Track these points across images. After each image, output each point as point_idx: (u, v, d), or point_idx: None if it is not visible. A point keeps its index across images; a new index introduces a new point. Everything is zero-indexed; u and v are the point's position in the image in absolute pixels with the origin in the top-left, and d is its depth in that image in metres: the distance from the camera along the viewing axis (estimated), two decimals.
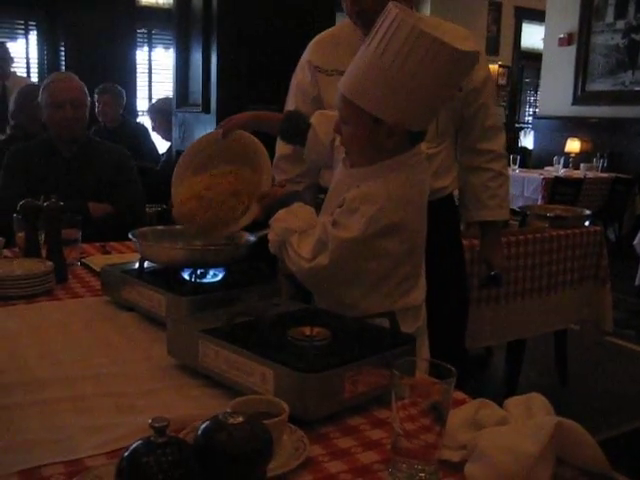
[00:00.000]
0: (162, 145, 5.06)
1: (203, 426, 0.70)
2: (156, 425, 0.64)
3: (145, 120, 6.95)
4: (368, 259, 1.43)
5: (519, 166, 6.82)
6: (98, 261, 2.05)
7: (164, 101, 4.82)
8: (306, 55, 2.08)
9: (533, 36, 10.07)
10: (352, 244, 1.39)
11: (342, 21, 2.08)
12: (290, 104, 2.11)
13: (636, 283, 4.84)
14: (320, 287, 1.50)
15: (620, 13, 6.71)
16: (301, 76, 2.07)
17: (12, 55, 5.50)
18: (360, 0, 1.83)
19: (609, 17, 6.84)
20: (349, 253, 1.41)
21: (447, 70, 1.37)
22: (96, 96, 4.82)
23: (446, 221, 2.06)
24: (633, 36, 6.53)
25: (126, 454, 0.66)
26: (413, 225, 1.48)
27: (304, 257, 1.43)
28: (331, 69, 1.99)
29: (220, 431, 0.67)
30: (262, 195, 1.61)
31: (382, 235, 1.41)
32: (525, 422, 1.02)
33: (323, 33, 2.10)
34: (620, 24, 6.73)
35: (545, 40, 8.29)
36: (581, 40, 7.43)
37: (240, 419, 0.69)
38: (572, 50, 7.61)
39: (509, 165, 6.53)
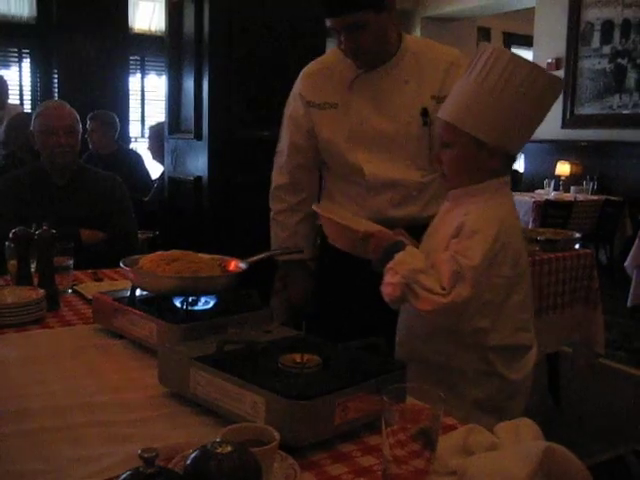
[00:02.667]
0: (155, 169, 5.09)
1: (192, 456, 0.70)
2: (145, 456, 0.65)
3: (138, 146, 6.99)
4: (489, 284, 1.50)
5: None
6: (90, 288, 2.06)
7: (163, 124, 4.86)
8: (297, 87, 2.05)
9: None
10: (482, 270, 1.46)
11: (332, 50, 2.05)
12: (284, 136, 2.11)
13: (628, 305, 4.86)
14: (459, 319, 1.52)
15: (606, 39, 6.81)
16: (295, 108, 2.05)
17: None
18: (357, 39, 1.81)
19: (595, 42, 6.94)
20: (482, 272, 1.46)
21: (542, 94, 1.52)
22: (88, 125, 4.84)
23: None
24: (619, 61, 6.63)
25: None
26: (521, 250, 1.58)
27: (439, 292, 1.45)
28: (323, 102, 1.98)
29: (209, 460, 0.68)
30: (369, 233, 1.60)
31: (501, 258, 1.50)
32: (514, 447, 1.03)
33: (313, 63, 2.07)
34: (606, 49, 6.83)
35: None
36: (569, 65, 7.52)
37: (229, 448, 0.69)
38: (560, 74, 7.68)
39: None
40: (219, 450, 0.69)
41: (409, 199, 1.95)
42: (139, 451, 0.67)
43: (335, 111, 1.96)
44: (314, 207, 1.77)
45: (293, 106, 2.07)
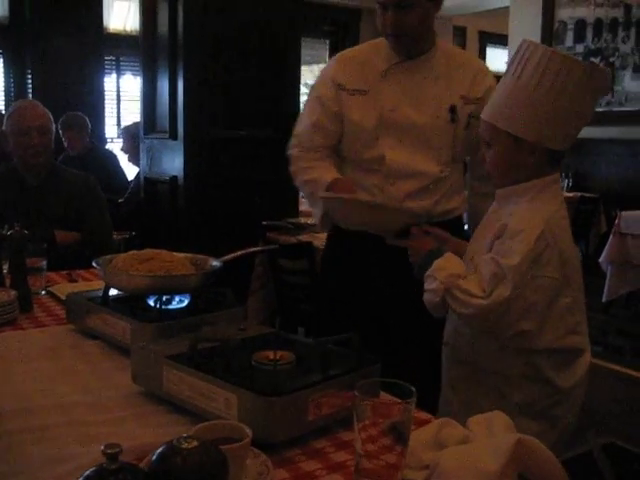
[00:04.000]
0: (130, 170, 5.06)
1: (158, 451, 0.70)
2: (108, 452, 0.64)
3: (114, 147, 6.93)
4: (533, 285, 1.47)
5: None
6: (64, 289, 2.03)
7: (137, 125, 4.83)
8: (330, 71, 2.07)
9: (497, 59, 10.27)
10: (523, 270, 1.44)
11: (367, 43, 2.14)
12: (306, 118, 2.09)
13: (603, 300, 4.92)
14: (500, 322, 1.49)
15: (579, 37, 6.87)
16: (323, 90, 2.05)
17: None
18: (402, 18, 1.86)
19: (569, 41, 6.99)
20: (523, 271, 1.44)
21: (579, 86, 1.47)
22: (60, 130, 4.79)
23: None
24: (592, 59, 6.69)
25: None
26: (569, 252, 1.53)
27: (479, 295, 1.45)
28: (353, 89, 2.01)
29: (174, 456, 0.68)
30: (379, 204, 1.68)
31: (546, 259, 1.47)
32: (486, 440, 1.04)
33: (347, 51, 2.14)
34: (579, 47, 6.88)
35: None
36: None
37: (195, 444, 0.69)
38: None
39: None
40: (184, 446, 0.68)
41: (425, 192, 1.98)
42: (102, 447, 0.66)
43: (364, 97, 1.99)
44: (321, 194, 1.77)
45: (322, 89, 2.07)
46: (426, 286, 1.55)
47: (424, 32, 1.95)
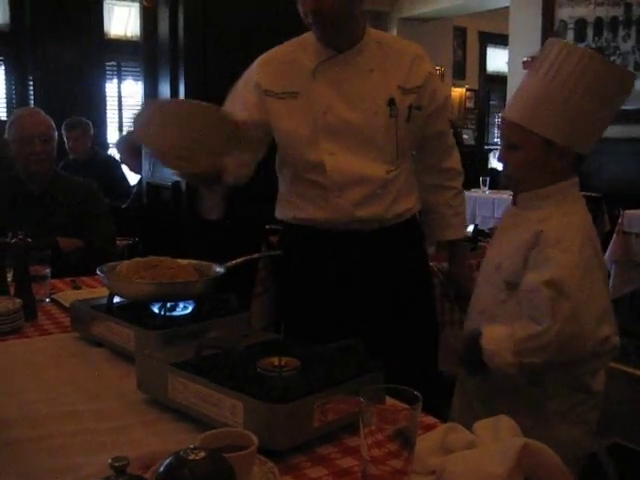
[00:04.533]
0: (132, 176, 5.06)
1: (165, 463, 0.70)
2: (116, 464, 0.64)
3: (116, 152, 6.95)
4: (595, 292, 1.47)
5: (489, 187, 6.89)
6: (68, 297, 2.04)
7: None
8: (254, 75, 1.89)
9: (498, 60, 10.27)
10: (577, 279, 1.43)
11: (290, 41, 1.94)
12: (228, 107, 1.88)
13: None
14: (580, 337, 1.46)
15: (579, 36, 6.86)
16: (247, 95, 1.88)
17: None
18: (322, 8, 1.69)
19: (569, 41, 7.00)
20: (579, 281, 1.44)
21: (613, 91, 1.48)
22: (64, 132, 4.80)
23: (412, 243, 1.99)
24: None
25: None
26: (599, 252, 1.55)
27: (546, 329, 1.43)
28: (282, 92, 1.84)
29: (181, 468, 0.68)
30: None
31: (595, 264, 1.48)
32: (493, 445, 1.03)
33: (271, 52, 1.93)
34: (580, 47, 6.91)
35: (509, 63, 8.45)
36: None
37: (202, 454, 0.69)
38: None
39: (478, 187, 6.61)
40: (192, 457, 0.68)
41: (374, 197, 1.82)
42: (110, 460, 0.66)
43: (295, 101, 1.82)
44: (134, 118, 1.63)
45: (245, 94, 1.89)
46: (495, 367, 1.50)
47: (349, 19, 1.76)
